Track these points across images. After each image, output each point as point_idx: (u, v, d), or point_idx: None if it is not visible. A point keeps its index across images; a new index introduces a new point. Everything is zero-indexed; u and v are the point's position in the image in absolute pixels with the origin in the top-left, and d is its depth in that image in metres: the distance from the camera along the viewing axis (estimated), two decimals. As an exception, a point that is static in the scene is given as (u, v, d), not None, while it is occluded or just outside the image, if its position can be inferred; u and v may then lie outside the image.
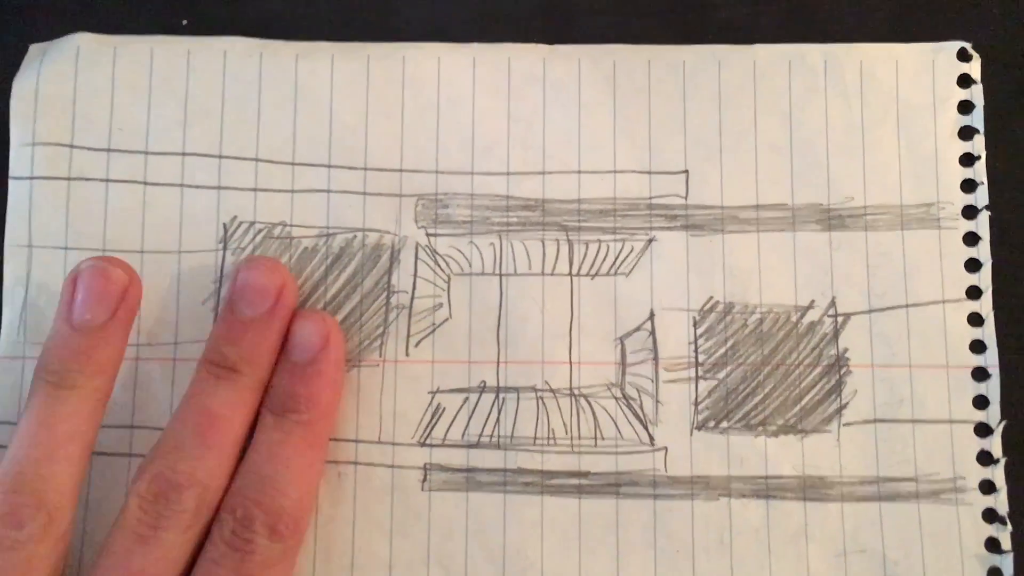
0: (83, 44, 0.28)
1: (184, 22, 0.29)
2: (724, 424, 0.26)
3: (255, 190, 0.27)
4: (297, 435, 0.24)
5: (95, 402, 0.24)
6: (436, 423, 0.26)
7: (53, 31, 0.28)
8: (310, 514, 0.25)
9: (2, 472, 0.22)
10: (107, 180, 0.27)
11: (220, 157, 0.27)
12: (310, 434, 0.24)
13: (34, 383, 0.24)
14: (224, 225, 0.27)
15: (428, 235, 0.27)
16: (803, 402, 0.26)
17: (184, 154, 0.27)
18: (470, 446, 0.26)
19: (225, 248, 0.27)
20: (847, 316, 0.27)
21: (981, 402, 0.26)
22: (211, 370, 0.24)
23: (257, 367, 0.25)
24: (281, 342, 0.25)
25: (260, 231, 0.27)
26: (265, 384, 0.25)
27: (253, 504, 0.23)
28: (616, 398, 0.27)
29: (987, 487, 0.26)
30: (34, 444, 0.23)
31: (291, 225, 0.27)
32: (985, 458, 0.26)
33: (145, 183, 0.27)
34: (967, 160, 0.27)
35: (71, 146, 0.27)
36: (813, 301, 0.27)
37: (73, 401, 0.23)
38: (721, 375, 0.27)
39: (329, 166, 0.27)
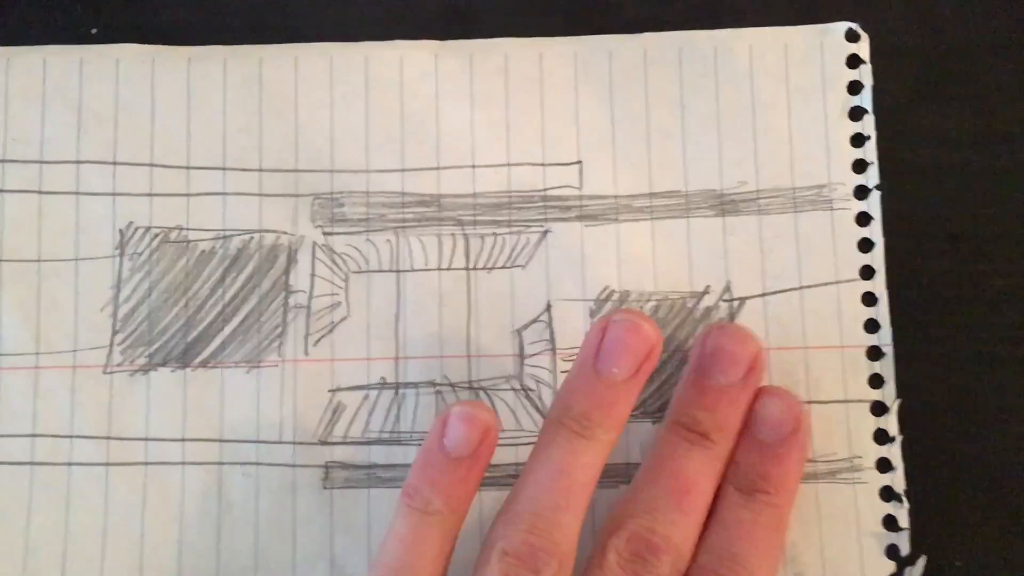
0: (-24, 56, 0.28)
1: (93, 31, 0.29)
2: (623, 412, 0.27)
3: (151, 195, 0.27)
4: (766, 516, 0.24)
5: (606, 456, 0.24)
6: (336, 421, 0.27)
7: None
8: None
9: (516, 510, 0.23)
10: (1, 191, 0.27)
11: (115, 164, 0.27)
12: (777, 517, 0.24)
13: (551, 423, 0.24)
14: (120, 231, 0.27)
15: (325, 234, 0.27)
16: (700, 387, 0.27)
17: (79, 162, 0.27)
18: (370, 443, 0.27)
19: (122, 254, 0.27)
20: (742, 300, 0.27)
21: (876, 381, 0.27)
22: (683, 434, 0.24)
23: (727, 437, 0.24)
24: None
25: (156, 235, 0.27)
26: (729, 455, 0.24)
27: None
28: (515, 390, 0.27)
29: (884, 465, 0.26)
30: (554, 489, 0.23)
31: (187, 228, 0.27)
32: (881, 437, 0.26)
33: (40, 192, 0.27)
34: (857, 140, 0.28)
35: (-34, 158, 0.27)
36: (708, 286, 0.27)
37: (592, 452, 0.23)
38: (618, 363, 0.27)
39: (224, 168, 0.28)
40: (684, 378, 0.25)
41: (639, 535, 0.23)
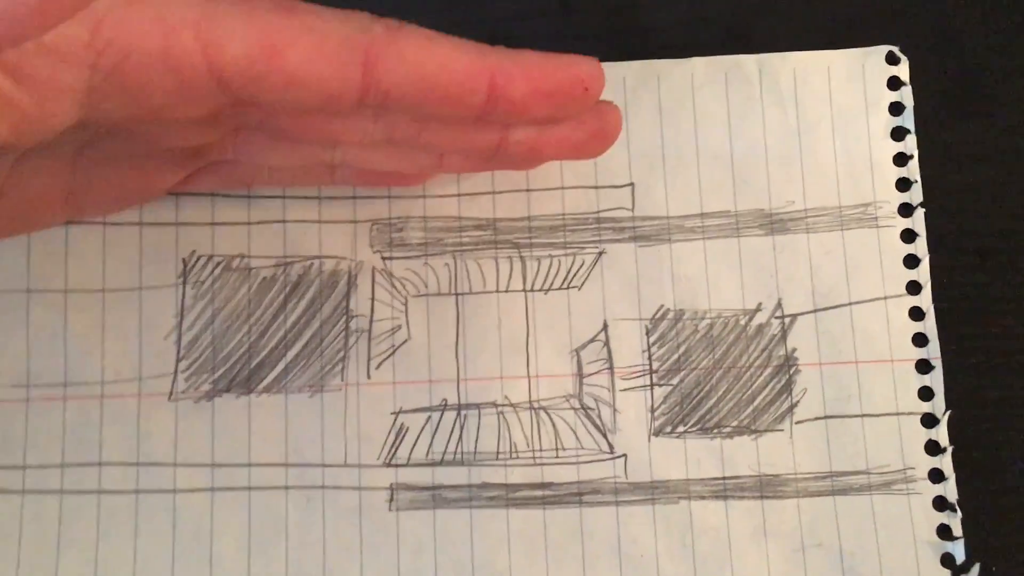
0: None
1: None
2: (680, 428, 0.27)
3: (212, 224, 0.28)
4: None
5: None
6: (400, 443, 0.27)
7: None
8: None
9: None
10: (67, 222, 0.28)
11: (177, 194, 0.28)
12: None
13: None
14: (183, 260, 0.28)
15: (384, 259, 0.28)
16: (755, 403, 0.27)
17: (140, 193, 0.28)
18: (434, 464, 0.27)
19: (185, 283, 0.28)
20: (793, 317, 0.28)
21: (926, 393, 0.27)
22: None
23: None
24: None
25: (219, 264, 0.28)
26: None
27: None
28: (575, 409, 0.27)
29: (936, 476, 0.27)
30: None
31: (249, 256, 0.28)
32: (933, 447, 0.27)
33: (104, 223, 0.28)
34: (900, 160, 0.28)
35: (28, 190, 0.28)
36: (760, 304, 0.28)
37: None
38: (675, 381, 0.27)
39: (284, 197, 0.28)
40: None
41: None
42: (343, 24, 0.20)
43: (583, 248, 0.28)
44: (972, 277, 0.28)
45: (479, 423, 0.27)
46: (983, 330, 0.28)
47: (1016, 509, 0.27)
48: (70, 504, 0.27)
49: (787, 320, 0.28)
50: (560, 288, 0.28)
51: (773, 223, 0.28)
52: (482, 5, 0.30)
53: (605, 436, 0.27)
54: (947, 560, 0.26)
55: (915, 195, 0.28)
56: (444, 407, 0.27)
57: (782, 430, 0.27)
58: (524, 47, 0.29)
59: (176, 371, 0.27)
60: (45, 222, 0.25)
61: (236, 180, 0.27)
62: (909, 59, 0.29)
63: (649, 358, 0.28)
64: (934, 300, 0.28)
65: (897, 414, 0.27)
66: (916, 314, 0.28)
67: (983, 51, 0.29)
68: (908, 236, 0.28)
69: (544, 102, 0.21)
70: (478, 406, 0.27)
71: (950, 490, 0.27)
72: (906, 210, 0.28)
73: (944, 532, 0.27)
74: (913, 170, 0.28)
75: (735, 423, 0.27)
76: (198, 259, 0.28)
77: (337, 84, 0.20)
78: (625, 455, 0.27)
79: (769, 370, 0.27)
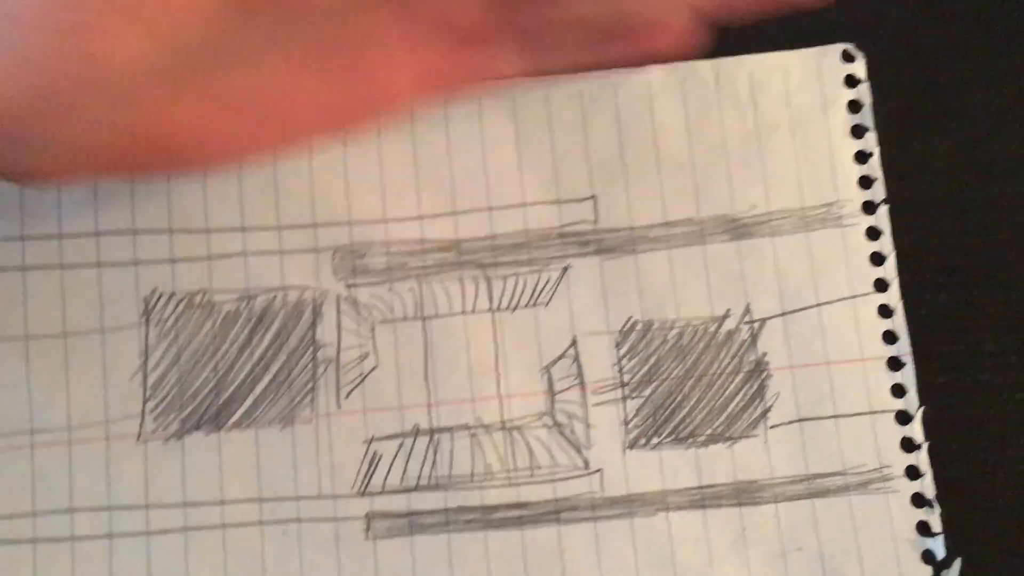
0: (-15, 134, 0.28)
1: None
2: (655, 440, 0.27)
3: (172, 261, 0.28)
4: None
5: None
6: (374, 471, 0.27)
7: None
8: None
9: None
10: (23, 268, 0.27)
11: (134, 232, 0.28)
12: None
13: None
14: (145, 299, 0.27)
15: (348, 286, 0.28)
16: (729, 410, 0.27)
17: (98, 233, 0.28)
18: (409, 490, 0.27)
19: (148, 322, 0.27)
20: (762, 321, 0.28)
21: (898, 391, 0.27)
22: None
23: None
24: None
25: (181, 301, 0.27)
26: None
27: None
28: (547, 426, 0.27)
29: (912, 472, 0.27)
30: None
31: (211, 291, 0.27)
32: (908, 444, 0.27)
33: (62, 266, 0.27)
34: (861, 157, 0.28)
35: (-17, 237, 0.27)
36: (728, 310, 0.28)
37: None
38: (647, 392, 0.27)
39: (243, 229, 0.28)
40: None
41: None
42: None
43: (548, 264, 0.28)
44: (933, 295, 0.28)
45: (452, 447, 0.27)
46: (953, 336, 0.28)
47: (994, 501, 0.27)
48: (43, 553, 0.26)
49: (756, 325, 0.28)
50: (527, 306, 0.28)
51: (737, 228, 0.28)
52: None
53: (579, 452, 0.27)
54: (927, 556, 0.26)
55: (877, 192, 0.28)
56: (416, 432, 0.27)
57: (757, 436, 0.27)
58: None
59: (144, 412, 0.27)
60: (306, 133, 0.24)
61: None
62: (870, 79, 0.28)
63: (620, 371, 0.27)
64: (901, 296, 0.28)
65: (871, 413, 0.27)
66: (885, 311, 0.28)
67: (945, 65, 0.29)
68: (873, 234, 0.28)
69: None
70: (450, 430, 0.27)
71: (927, 486, 0.27)
72: (869, 207, 0.28)
73: (923, 529, 0.27)
74: (875, 167, 0.28)
75: (709, 431, 0.27)
76: (159, 297, 0.27)
77: None
78: (600, 470, 0.27)
79: (741, 376, 0.27)
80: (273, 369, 0.27)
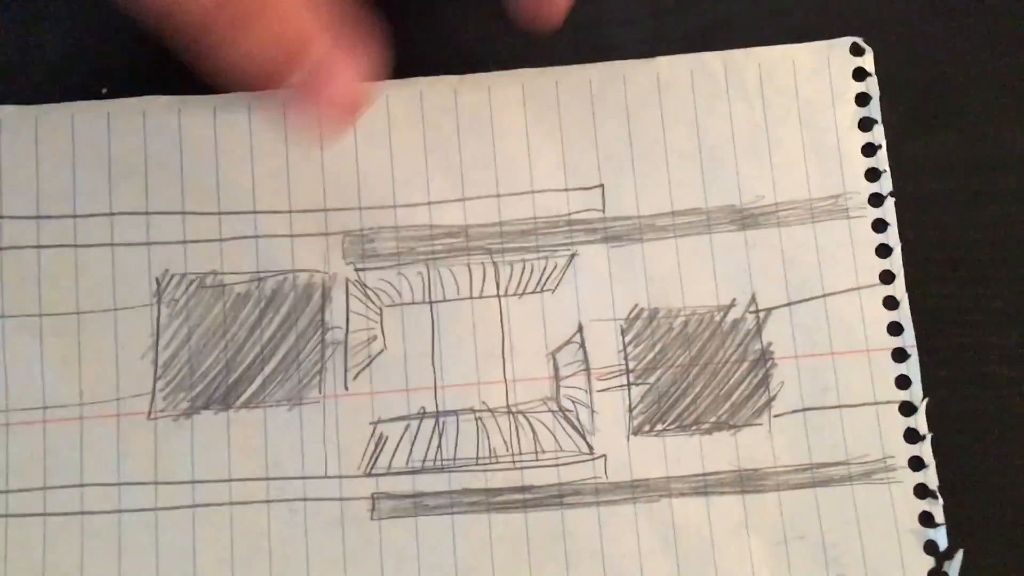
0: (4, 116, 0.28)
1: (104, 90, 0.29)
2: (659, 427, 0.27)
3: (184, 242, 0.28)
4: None
5: None
6: (380, 453, 0.27)
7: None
8: None
9: None
10: (38, 247, 0.28)
11: (147, 214, 0.28)
12: None
13: None
14: (157, 279, 0.28)
15: (357, 270, 0.28)
16: (733, 398, 0.27)
17: (112, 214, 0.28)
18: (415, 472, 0.27)
19: (159, 302, 0.28)
20: (768, 311, 0.28)
21: (903, 382, 0.27)
22: None
23: None
24: None
25: (192, 282, 0.28)
26: None
27: None
28: (552, 411, 0.27)
29: (916, 463, 0.27)
30: None
31: (222, 273, 0.28)
32: (912, 435, 0.27)
33: (76, 246, 0.28)
34: (869, 150, 0.28)
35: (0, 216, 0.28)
36: (734, 299, 0.28)
37: None
38: (652, 379, 0.27)
39: (255, 212, 0.28)
40: None
41: None
42: None
43: (555, 251, 0.28)
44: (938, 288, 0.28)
45: (458, 429, 0.27)
46: (957, 329, 0.28)
47: (997, 493, 0.27)
48: (53, 526, 0.27)
49: (762, 314, 0.28)
50: (534, 292, 0.28)
51: (744, 218, 0.28)
52: (453, 28, 0.30)
53: (584, 437, 0.27)
54: (930, 547, 0.26)
55: (885, 184, 0.28)
56: (422, 415, 0.27)
57: (760, 424, 0.27)
58: (487, 69, 0.29)
59: (154, 390, 0.27)
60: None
61: None
62: (878, 73, 0.29)
63: (625, 358, 0.28)
64: (907, 287, 0.28)
65: (875, 403, 0.27)
66: (890, 303, 0.28)
67: (953, 60, 0.29)
68: (879, 225, 0.28)
69: None
70: (456, 413, 0.27)
71: (930, 477, 0.27)
72: (876, 200, 0.28)
73: (926, 519, 0.27)
74: (882, 160, 0.28)
75: (713, 419, 0.27)
76: (171, 277, 0.28)
77: None
78: (604, 455, 0.27)
79: (745, 365, 0.27)
80: (282, 350, 0.28)
